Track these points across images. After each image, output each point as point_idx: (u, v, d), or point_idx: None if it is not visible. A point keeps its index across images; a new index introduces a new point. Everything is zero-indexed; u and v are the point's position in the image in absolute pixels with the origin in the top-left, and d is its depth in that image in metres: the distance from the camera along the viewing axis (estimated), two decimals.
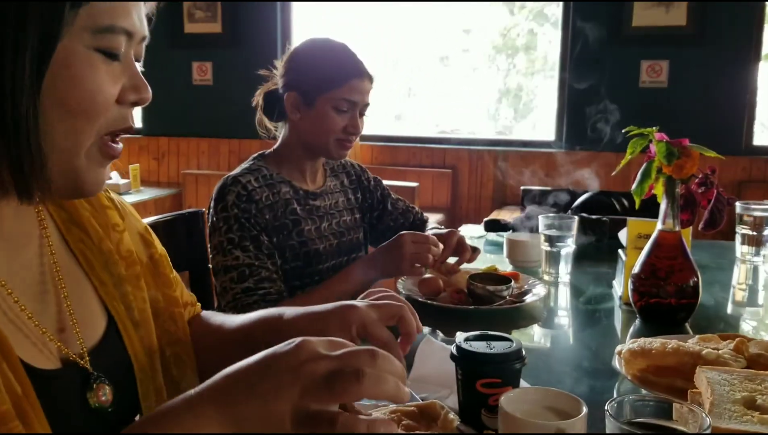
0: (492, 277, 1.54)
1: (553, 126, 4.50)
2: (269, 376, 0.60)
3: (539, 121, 5.10)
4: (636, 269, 1.39)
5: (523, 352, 0.87)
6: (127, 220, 0.92)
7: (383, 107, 5.24)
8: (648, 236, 1.41)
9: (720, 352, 0.99)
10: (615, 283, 1.67)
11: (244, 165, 1.62)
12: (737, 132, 4.11)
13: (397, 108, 5.44)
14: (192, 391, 0.61)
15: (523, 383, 0.92)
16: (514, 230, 2.09)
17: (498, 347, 0.87)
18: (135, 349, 0.85)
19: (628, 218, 1.59)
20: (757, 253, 1.93)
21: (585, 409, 0.73)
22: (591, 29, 4.15)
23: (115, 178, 4.37)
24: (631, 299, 1.41)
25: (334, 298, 1.47)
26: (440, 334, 1.33)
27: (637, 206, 1.39)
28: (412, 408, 0.87)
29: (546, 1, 4.92)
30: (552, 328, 1.47)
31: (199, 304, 1.09)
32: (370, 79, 1.61)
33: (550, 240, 1.74)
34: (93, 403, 0.76)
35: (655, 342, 1.03)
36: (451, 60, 5.33)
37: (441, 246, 1.52)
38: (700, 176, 1.39)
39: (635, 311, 1.41)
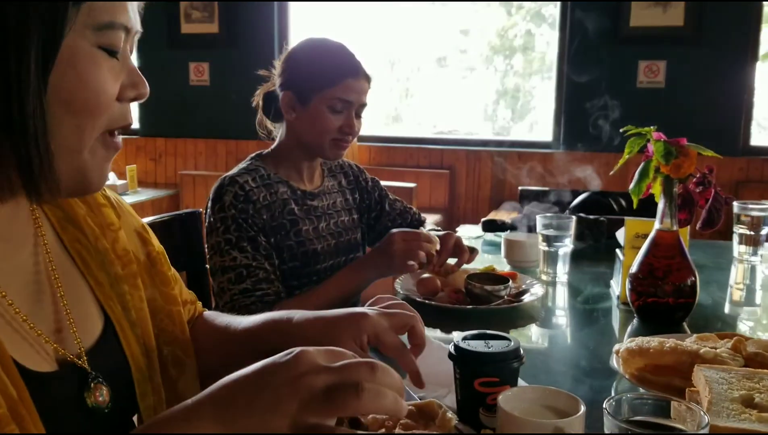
0: (490, 276, 1.54)
1: (551, 126, 4.51)
2: (268, 388, 0.59)
3: (537, 121, 5.11)
4: (634, 269, 1.39)
5: (521, 351, 0.87)
6: (123, 218, 0.92)
7: (381, 108, 5.24)
8: (646, 236, 1.41)
9: (718, 350, 0.99)
10: (612, 282, 1.67)
11: (242, 165, 1.61)
12: (735, 132, 4.12)
13: (395, 109, 5.44)
14: (189, 402, 0.61)
15: (521, 382, 0.92)
16: (512, 228, 2.09)
17: (496, 346, 0.87)
18: (132, 350, 0.84)
19: (626, 218, 1.59)
20: (755, 253, 1.93)
21: (583, 408, 0.73)
22: (588, 29, 4.16)
23: (112, 178, 4.37)
24: (628, 298, 1.41)
25: (332, 300, 1.48)
26: (439, 334, 1.33)
27: (634, 206, 1.39)
28: (410, 407, 0.87)
29: (544, 1, 4.92)
30: (550, 327, 1.47)
31: (200, 303, 1.09)
32: (367, 79, 1.60)
33: (548, 240, 1.74)
34: (90, 403, 0.76)
35: (653, 341, 1.03)
36: (449, 61, 5.33)
37: (436, 242, 1.51)
38: (697, 176, 1.39)
39: (633, 311, 1.41)
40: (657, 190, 1.36)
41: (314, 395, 0.59)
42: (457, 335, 0.90)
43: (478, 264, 1.72)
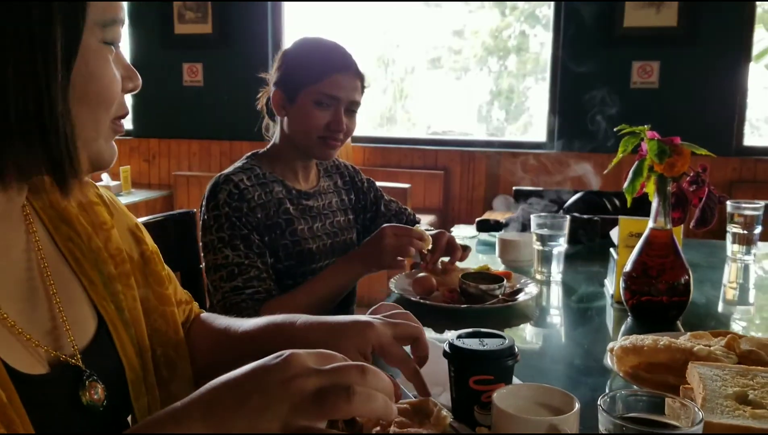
0: (484, 276, 1.54)
1: (545, 127, 4.52)
2: (258, 391, 0.59)
3: (531, 122, 5.12)
4: (627, 267, 1.39)
5: (516, 349, 0.87)
6: (116, 217, 0.92)
7: (375, 109, 5.24)
8: (639, 234, 1.41)
9: (712, 348, 0.99)
10: (607, 281, 1.67)
11: (237, 164, 1.61)
12: (728, 133, 4.14)
13: (389, 110, 5.44)
14: (179, 403, 0.60)
15: (515, 381, 0.92)
16: (506, 225, 2.10)
17: (491, 344, 0.87)
18: (126, 350, 0.84)
19: (620, 217, 1.59)
20: (748, 252, 1.94)
21: (577, 405, 0.73)
22: (582, 30, 4.17)
23: (105, 179, 4.36)
24: (622, 297, 1.42)
25: (321, 296, 1.47)
26: (433, 333, 1.33)
27: (628, 205, 1.40)
28: (405, 406, 0.87)
29: (537, 1, 4.93)
30: (544, 326, 1.47)
31: (196, 304, 1.08)
32: (359, 76, 1.58)
33: (542, 239, 1.74)
34: (85, 401, 0.75)
35: (647, 339, 1.04)
36: (443, 61, 5.34)
37: (429, 241, 1.51)
38: (691, 174, 1.39)
39: (627, 309, 1.42)
40: (651, 188, 1.36)
41: (305, 398, 0.58)
42: (451, 333, 0.90)
43: (472, 263, 1.72)
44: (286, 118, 1.60)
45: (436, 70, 5.36)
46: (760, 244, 2.00)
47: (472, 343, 0.87)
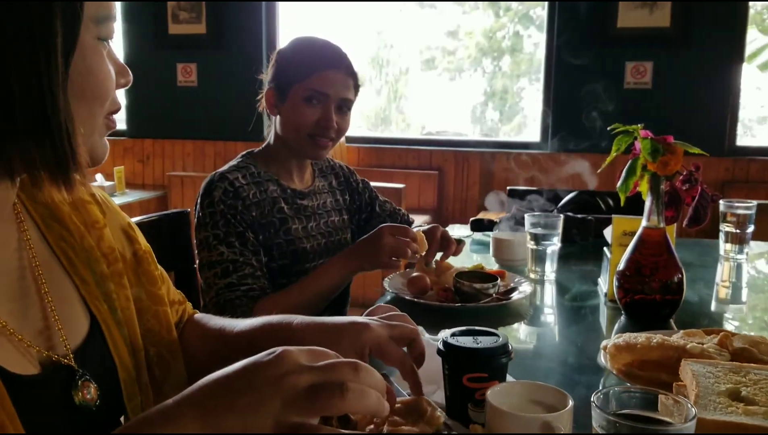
0: (478, 275, 1.54)
1: (539, 127, 4.53)
2: (250, 388, 0.59)
3: (525, 123, 5.13)
4: (621, 266, 1.40)
5: (510, 347, 0.87)
6: (109, 216, 0.91)
7: (370, 110, 5.24)
8: (633, 233, 1.42)
9: (705, 346, 1.00)
10: (600, 280, 1.68)
11: (233, 162, 1.61)
12: (721, 133, 4.15)
13: (384, 110, 5.44)
14: (171, 401, 0.60)
15: (509, 379, 0.92)
16: (500, 222, 2.10)
17: (484, 342, 0.87)
18: (119, 350, 0.84)
19: (614, 215, 1.60)
20: (741, 251, 1.95)
21: (571, 403, 0.74)
22: (575, 31, 4.18)
23: (99, 180, 4.34)
24: (616, 296, 1.42)
25: (315, 293, 1.47)
26: (427, 332, 1.32)
27: (622, 203, 1.40)
28: (398, 404, 0.87)
29: (531, 1, 4.94)
30: (538, 325, 1.47)
31: (189, 304, 1.08)
32: (350, 74, 1.57)
33: (536, 238, 1.74)
34: (78, 401, 0.75)
35: (640, 337, 1.04)
36: (437, 62, 5.34)
37: (424, 244, 1.50)
38: (684, 173, 1.40)
39: (620, 308, 1.42)
40: (644, 187, 1.37)
41: (297, 395, 0.58)
42: (445, 332, 0.90)
43: (467, 262, 1.72)
44: (278, 117, 1.60)
45: (431, 71, 5.37)
46: (752, 243, 2.01)
47: (466, 341, 0.87)
